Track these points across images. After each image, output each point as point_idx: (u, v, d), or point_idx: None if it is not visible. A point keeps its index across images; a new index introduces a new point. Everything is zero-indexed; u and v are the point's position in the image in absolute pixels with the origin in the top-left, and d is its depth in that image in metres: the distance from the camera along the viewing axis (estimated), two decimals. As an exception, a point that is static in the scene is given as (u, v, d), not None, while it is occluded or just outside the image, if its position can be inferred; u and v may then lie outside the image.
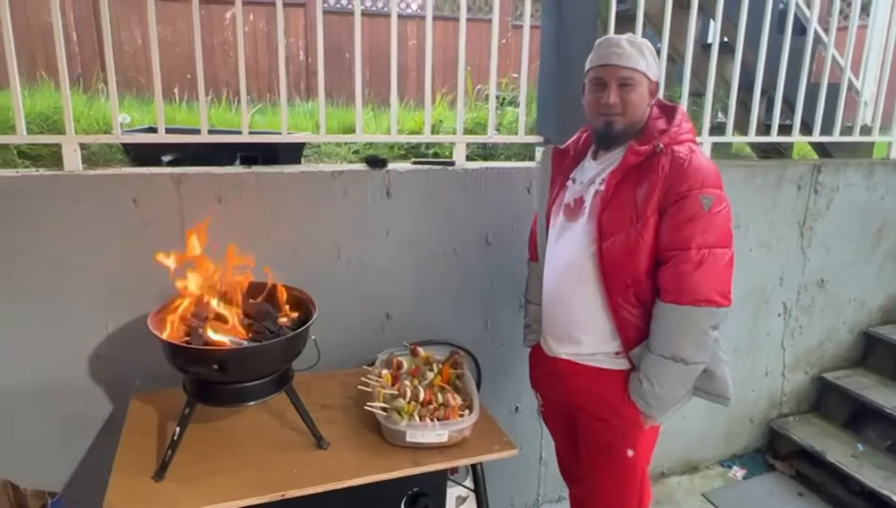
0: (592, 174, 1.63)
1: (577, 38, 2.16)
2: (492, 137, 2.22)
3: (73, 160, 1.74)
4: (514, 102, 3.03)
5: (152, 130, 2.01)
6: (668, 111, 1.62)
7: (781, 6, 2.76)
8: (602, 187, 1.56)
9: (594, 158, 1.67)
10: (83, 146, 1.99)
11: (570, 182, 1.70)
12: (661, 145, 1.50)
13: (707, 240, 1.46)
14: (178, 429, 1.44)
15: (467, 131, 2.50)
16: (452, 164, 2.12)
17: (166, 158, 2.01)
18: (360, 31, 1.95)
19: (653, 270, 1.52)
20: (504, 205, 2.15)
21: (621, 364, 1.60)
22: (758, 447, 3.02)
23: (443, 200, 2.07)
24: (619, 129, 1.56)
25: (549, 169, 1.76)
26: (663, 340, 1.49)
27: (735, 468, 2.88)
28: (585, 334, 1.62)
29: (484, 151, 2.56)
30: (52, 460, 1.81)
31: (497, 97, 2.23)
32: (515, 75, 2.57)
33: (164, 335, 1.41)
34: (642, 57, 1.52)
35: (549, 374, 1.75)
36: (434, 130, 2.45)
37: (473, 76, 3.22)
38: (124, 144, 2.03)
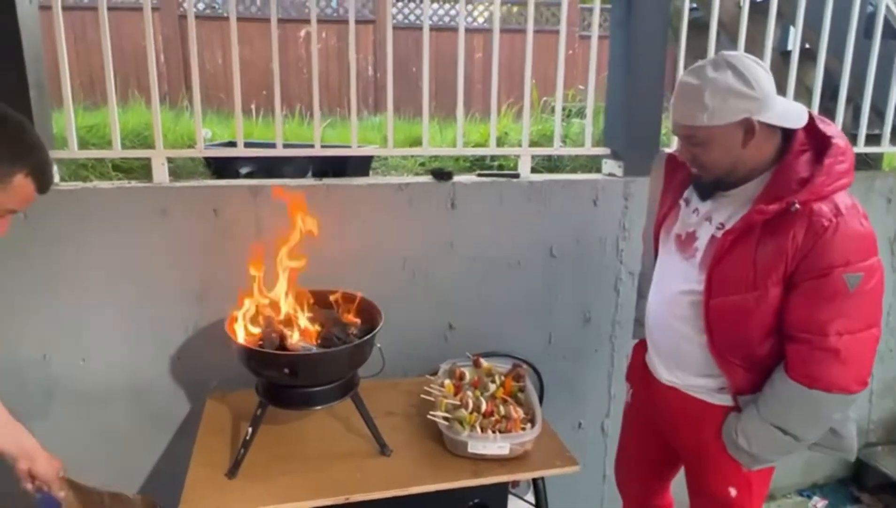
0: (709, 208, 1.42)
1: (647, 47, 2.13)
2: (558, 149, 2.20)
3: (160, 173, 1.86)
4: (580, 114, 3.01)
5: (231, 144, 2.13)
6: (820, 145, 1.29)
7: (870, 9, 2.61)
8: (720, 235, 1.36)
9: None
10: (169, 159, 2.14)
11: (682, 202, 1.51)
12: (797, 205, 1.23)
13: (850, 325, 1.25)
14: (250, 429, 1.51)
15: (532, 143, 2.50)
16: (517, 176, 2.12)
17: (244, 171, 2.12)
18: (427, 46, 1.99)
19: (769, 338, 1.35)
20: (569, 218, 2.13)
21: (725, 400, 1.45)
22: (841, 477, 2.83)
23: (507, 212, 2.08)
24: (708, 181, 1.37)
25: (661, 177, 1.59)
26: (777, 410, 1.33)
27: (815, 498, 2.71)
28: (686, 370, 1.50)
29: (549, 164, 2.55)
30: (137, 454, 1.93)
31: (563, 109, 2.21)
32: (582, 87, 2.56)
33: (239, 339, 1.49)
34: (701, 109, 1.25)
35: (646, 384, 1.63)
36: (499, 143, 2.46)
37: (539, 88, 3.23)
38: (206, 158, 2.15)
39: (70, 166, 2.05)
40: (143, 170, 2.13)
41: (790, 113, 1.31)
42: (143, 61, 1.83)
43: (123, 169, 2.18)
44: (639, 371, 1.70)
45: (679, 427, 1.56)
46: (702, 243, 1.41)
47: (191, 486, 1.44)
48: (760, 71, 1.27)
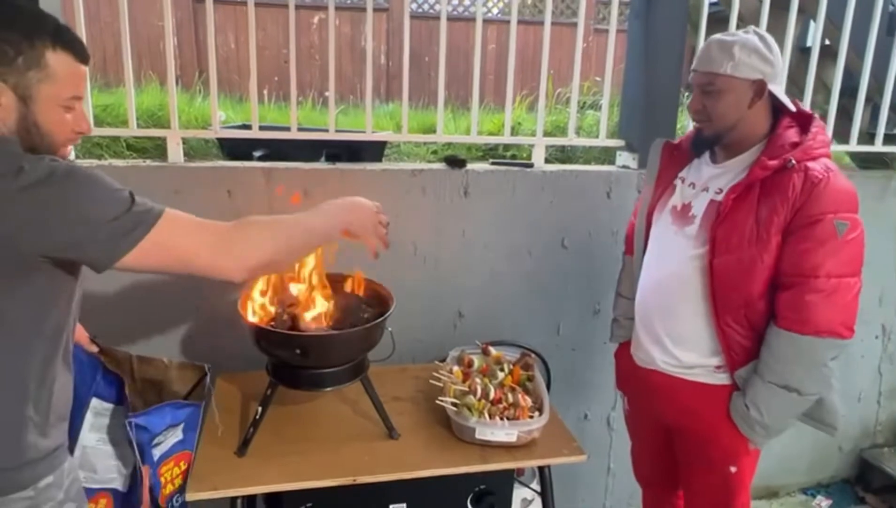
0: (707, 179, 1.53)
1: (665, 40, 2.11)
2: (572, 139, 2.19)
3: (175, 153, 1.87)
4: (594, 106, 2.99)
5: (246, 127, 2.13)
6: (803, 120, 1.48)
7: (892, 8, 2.58)
8: (721, 199, 1.46)
9: (714, 161, 1.55)
10: (183, 140, 2.14)
11: (678, 181, 1.60)
12: (794, 161, 1.37)
13: (839, 269, 1.35)
14: (260, 409, 1.52)
15: (546, 134, 2.49)
16: (531, 165, 2.11)
17: (257, 154, 2.12)
18: (444, 34, 1.99)
19: (768, 293, 1.43)
20: (582, 209, 2.13)
21: (722, 379, 1.51)
22: (846, 477, 2.82)
23: (520, 201, 2.07)
24: (709, 135, 1.48)
25: (657, 164, 1.66)
26: (777, 369, 1.41)
27: (819, 497, 2.71)
28: (684, 347, 1.54)
29: (562, 155, 2.54)
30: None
31: (577, 101, 2.20)
32: (599, 78, 2.54)
33: (251, 319, 1.49)
34: (729, 59, 1.39)
35: (640, 384, 1.69)
36: (513, 133, 2.46)
37: (552, 81, 3.20)
38: (219, 140, 2.16)
39: (85, 145, 2.06)
40: (156, 150, 2.13)
41: (785, 97, 1.48)
42: (156, 43, 1.84)
43: (137, 149, 2.18)
44: (628, 376, 1.78)
45: (680, 413, 1.59)
46: (699, 209, 1.51)
47: (200, 463, 1.45)
48: (778, 49, 1.45)
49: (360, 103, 2.18)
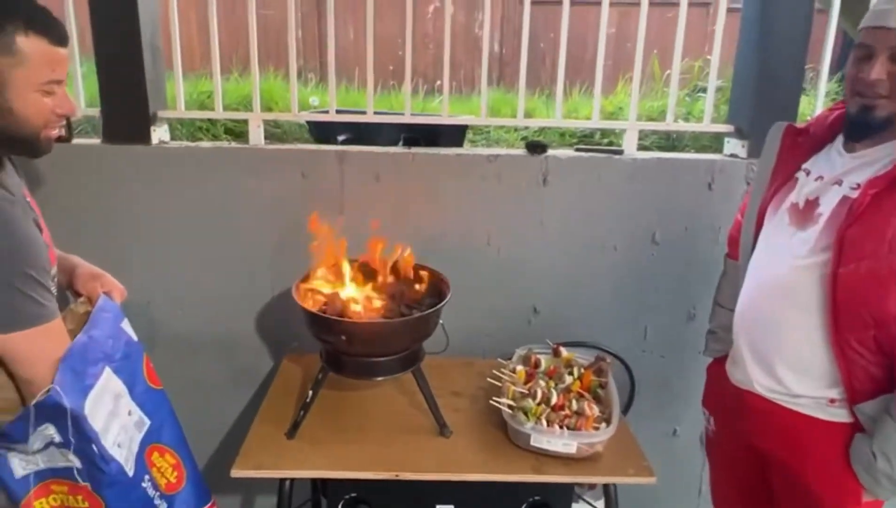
0: (840, 172, 1.25)
1: (787, 16, 1.81)
2: (669, 124, 1.97)
3: (256, 135, 1.92)
4: (706, 90, 2.69)
5: (324, 111, 2.15)
6: None
7: None
8: (856, 195, 1.18)
9: (848, 149, 1.27)
10: (277, 125, 2.20)
11: (801, 173, 1.33)
12: None
13: None
14: (311, 393, 1.51)
15: (649, 119, 2.27)
16: (620, 152, 1.92)
17: (341, 138, 2.13)
18: (528, 17, 1.88)
19: None
20: (678, 201, 1.90)
21: (837, 416, 1.25)
22: None
23: (606, 191, 1.90)
24: (882, 116, 1.17)
25: (775, 151, 1.39)
26: None
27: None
28: (794, 372, 1.29)
29: (666, 144, 2.31)
30: (223, 404, 2.03)
31: (689, 85, 1.97)
32: (710, 57, 2.27)
33: (307, 303, 1.49)
34: None
35: (731, 404, 1.44)
36: (613, 119, 2.27)
37: (663, 62, 2.93)
38: (309, 124, 2.20)
39: (188, 129, 2.19)
40: (251, 135, 2.22)
41: None
42: (279, 34, 1.86)
43: (235, 133, 2.29)
44: (716, 396, 1.55)
45: (779, 444, 1.34)
46: (827, 207, 1.24)
47: (250, 441, 1.47)
48: None
49: (473, 92, 2.14)
